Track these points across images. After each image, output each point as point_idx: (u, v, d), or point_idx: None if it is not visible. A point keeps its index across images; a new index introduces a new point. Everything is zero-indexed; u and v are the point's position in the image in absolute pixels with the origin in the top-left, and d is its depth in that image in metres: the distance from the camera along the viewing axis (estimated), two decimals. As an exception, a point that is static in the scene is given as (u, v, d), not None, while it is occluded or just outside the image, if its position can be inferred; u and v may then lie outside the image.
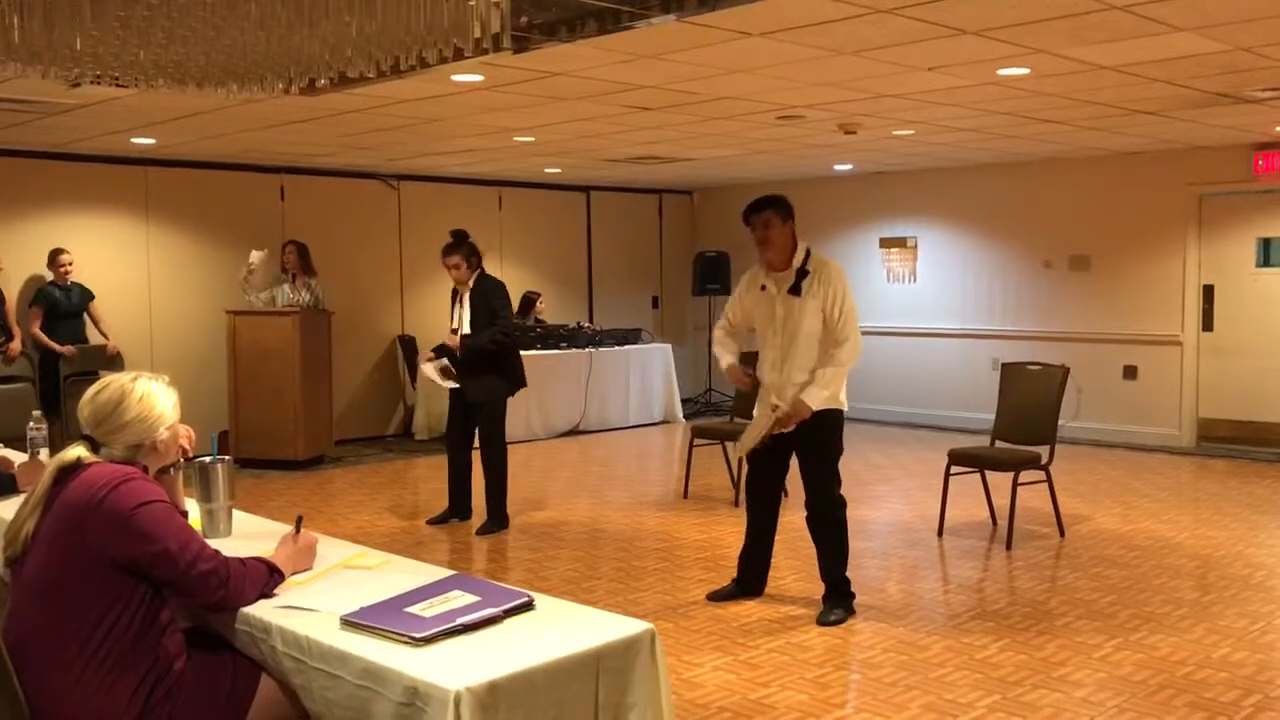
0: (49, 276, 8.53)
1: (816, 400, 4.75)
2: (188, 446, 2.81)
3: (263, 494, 7.57)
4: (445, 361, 6.65)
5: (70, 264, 8.52)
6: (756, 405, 5.07)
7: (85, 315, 8.67)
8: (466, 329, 6.53)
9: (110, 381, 2.64)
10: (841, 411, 4.90)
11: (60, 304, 8.52)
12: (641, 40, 4.93)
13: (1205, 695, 4.01)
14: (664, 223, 13.05)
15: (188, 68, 3.73)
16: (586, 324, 11.42)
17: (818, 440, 4.87)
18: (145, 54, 3.51)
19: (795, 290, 4.82)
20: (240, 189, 9.71)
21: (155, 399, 2.64)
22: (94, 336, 8.74)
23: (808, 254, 4.89)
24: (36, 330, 8.39)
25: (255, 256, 8.74)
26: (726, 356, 5.11)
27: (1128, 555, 5.99)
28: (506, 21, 3.36)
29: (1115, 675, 4.21)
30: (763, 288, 4.95)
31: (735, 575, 5.27)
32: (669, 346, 11.65)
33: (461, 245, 6.53)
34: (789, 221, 4.89)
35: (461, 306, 6.62)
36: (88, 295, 8.67)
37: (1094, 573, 5.64)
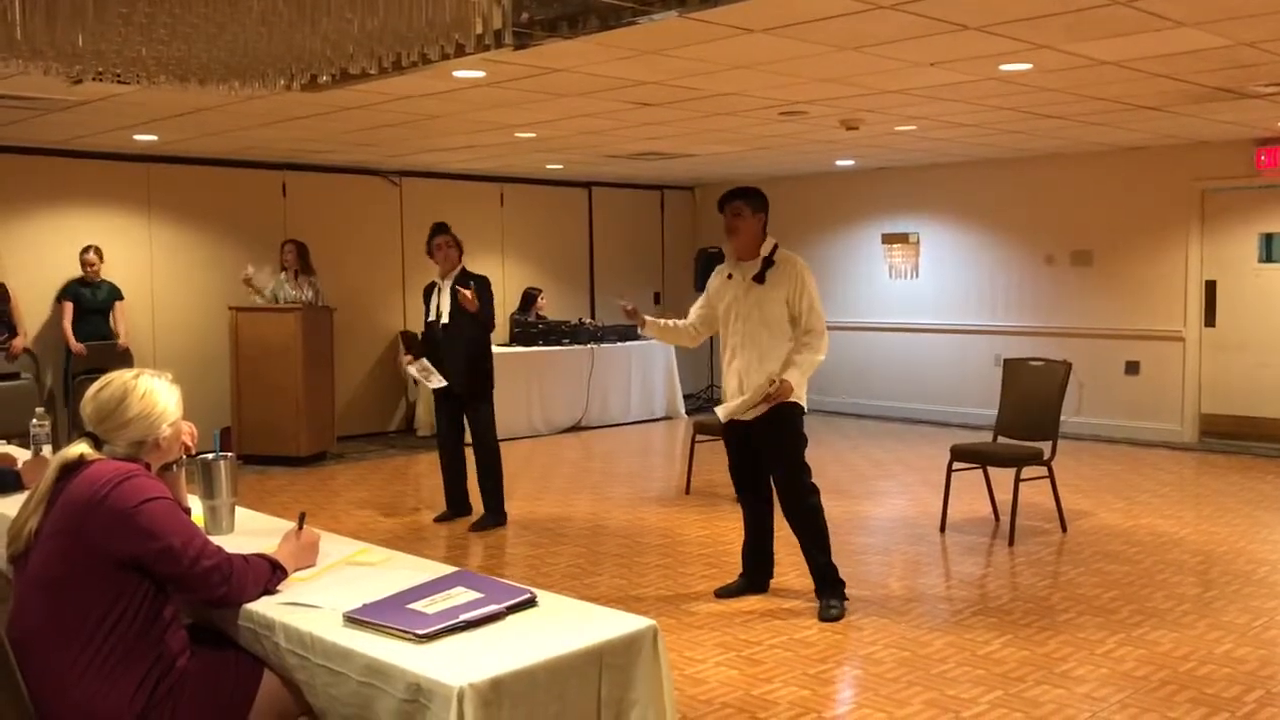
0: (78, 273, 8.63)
1: (798, 381, 4.81)
2: (190, 443, 2.81)
3: (265, 490, 7.58)
4: (425, 361, 6.65)
5: (96, 262, 8.56)
6: (725, 401, 5.10)
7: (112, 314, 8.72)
8: (446, 319, 6.53)
9: (113, 379, 2.63)
10: (801, 406, 4.94)
11: (85, 300, 8.56)
12: (643, 36, 4.93)
13: (1207, 691, 4.01)
14: (666, 219, 13.05)
15: (190, 64, 3.73)
16: (588, 320, 11.41)
17: (781, 435, 4.91)
18: (147, 50, 3.51)
19: (760, 279, 4.92)
20: (242, 185, 9.71)
21: (157, 396, 2.63)
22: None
23: (775, 247, 4.98)
24: (65, 324, 8.46)
25: (251, 270, 8.76)
26: (661, 324, 5.31)
27: (1130, 551, 5.99)
28: (508, 18, 3.36)
29: (1117, 671, 4.21)
30: (729, 276, 5.06)
31: (741, 571, 5.28)
32: (671, 343, 11.64)
33: (450, 230, 6.65)
34: (759, 214, 4.99)
35: (441, 296, 6.62)
36: (115, 294, 8.73)
37: (1096, 568, 5.64)
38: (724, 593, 5.21)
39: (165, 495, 2.52)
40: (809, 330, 4.86)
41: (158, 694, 2.42)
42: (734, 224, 4.97)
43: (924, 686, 4.07)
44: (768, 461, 5.02)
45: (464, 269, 6.67)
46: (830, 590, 4.96)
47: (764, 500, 5.18)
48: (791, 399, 4.86)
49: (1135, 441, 9.56)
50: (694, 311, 5.28)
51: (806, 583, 5.32)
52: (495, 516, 6.66)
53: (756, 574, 5.25)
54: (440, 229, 6.69)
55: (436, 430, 6.88)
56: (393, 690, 2.18)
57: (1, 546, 3.37)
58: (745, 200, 4.96)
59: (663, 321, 5.37)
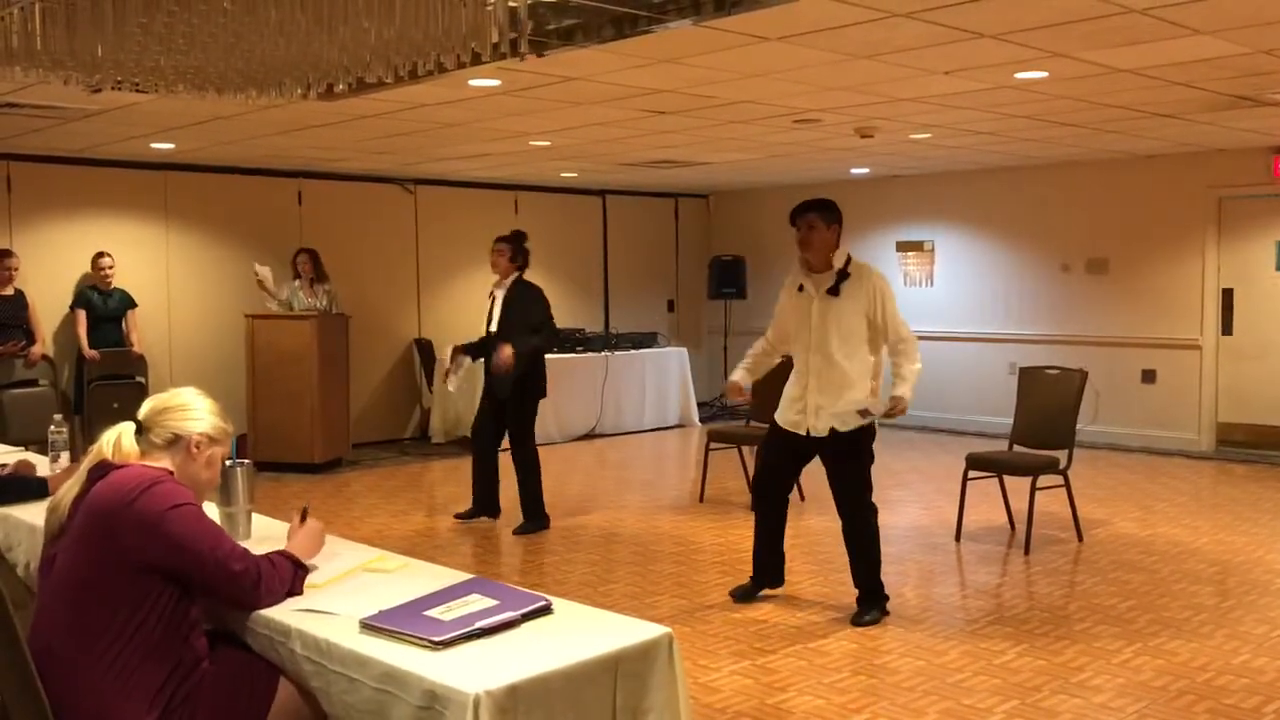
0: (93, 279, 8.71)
1: (910, 395, 4.82)
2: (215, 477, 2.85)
3: (280, 497, 7.59)
4: (466, 360, 6.70)
5: (109, 268, 8.61)
6: (782, 406, 5.05)
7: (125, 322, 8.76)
8: (495, 326, 6.57)
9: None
10: (874, 425, 4.97)
11: (97, 307, 8.60)
12: (658, 45, 4.93)
13: (1225, 701, 3.98)
14: (680, 226, 13.05)
15: (207, 73, 3.76)
16: (587, 328, 11.35)
17: (855, 452, 4.92)
18: (166, 60, 3.54)
19: (834, 291, 4.88)
20: (258, 193, 9.76)
21: (201, 402, 2.73)
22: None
23: (849, 259, 4.95)
24: (79, 331, 8.51)
25: (262, 271, 8.80)
26: (740, 369, 5.26)
27: (1147, 560, 5.96)
28: (524, 26, 3.37)
29: (1135, 681, 4.19)
30: (800, 289, 5.01)
31: (752, 572, 5.28)
32: (685, 350, 11.65)
33: (513, 239, 6.68)
34: (833, 225, 4.95)
35: (494, 304, 6.65)
36: (128, 303, 8.76)
37: (1113, 578, 5.62)
38: (739, 594, 5.21)
39: (191, 501, 2.55)
40: (901, 340, 4.85)
41: (176, 700, 2.43)
42: (808, 237, 4.92)
43: (940, 696, 4.06)
44: (838, 477, 4.97)
45: (520, 278, 6.65)
46: (873, 603, 4.96)
47: (783, 507, 5.18)
48: (866, 420, 4.87)
49: (1152, 450, 9.51)
50: (771, 329, 5.21)
51: (822, 591, 5.32)
52: (535, 521, 6.67)
53: (770, 570, 5.26)
54: (500, 237, 6.70)
55: (474, 426, 6.88)
56: (408, 697, 2.18)
57: (21, 554, 3.41)
58: (819, 212, 4.92)
59: (752, 367, 5.26)
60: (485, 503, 6.82)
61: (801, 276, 5.01)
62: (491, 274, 6.77)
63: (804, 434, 4.93)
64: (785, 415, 5.02)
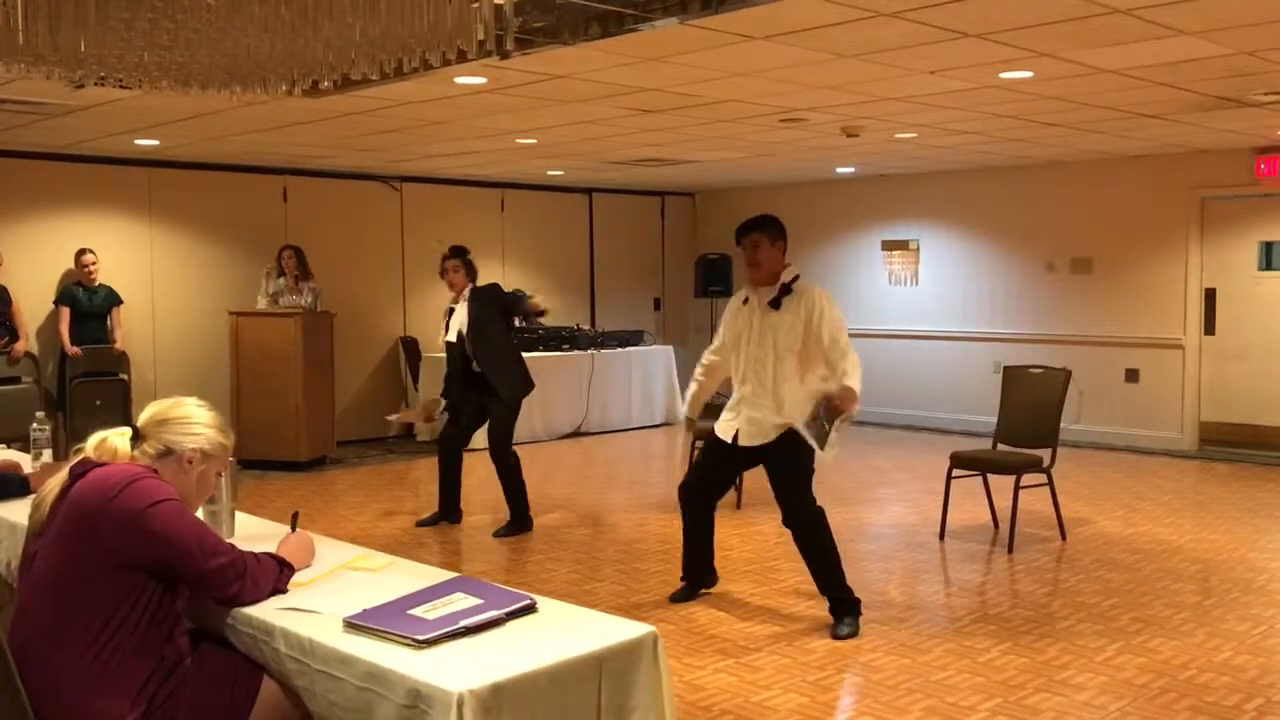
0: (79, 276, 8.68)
1: (857, 382, 4.71)
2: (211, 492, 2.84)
3: (264, 495, 7.57)
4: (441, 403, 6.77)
5: (93, 264, 8.58)
6: (721, 417, 5.01)
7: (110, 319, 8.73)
8: (452, 337, 6.60)
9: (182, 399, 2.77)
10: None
11: (81, 304, 8.56)
12: (644, 43, 4.93)
13: (1207, 699, 4.01)
14: (666, 225, 13.06)
15: (191, 69, 3.73)
16: (583, 326, 11.39)
17: (792, 457, 4.80)
18: (149, 55, 3.51)
19: (775, 304, 4.82)
20: (243, 190, 9.72)
21: (203, 416, 2.70)
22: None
23: (797, 276, 4.88)
24: (61, 328, 8.47)
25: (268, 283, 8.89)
26: (693, 400, 5.31)
27: (1129, 559, 5.99)
28: (510, 24, 3.36)
29: (1117, 679, 4.21)
30: (745, 300, 4.97)
31: (685, 576, 5.27)
32: (671, 348, 11.66)
33: (462, 254, 6.69)
34: (779, 242, 4.88)
35: (454, 317, 6.65)
36: (113, 299, 8.73)
37: (1096, 576, 5.64)
38: (677, 597, 5.22)
39: (174, 497, 2.53)
40: (840, 349, 4.71)
41: (158, 698, 2.42)
42: (754, 257, 4.85)
43: (924, 694, 4.07)
44: (777, 484, 4.90)
45: (474, 286, 6.67)
46: (845, 611, 4.85)
47: (712, 508, 5.17)
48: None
49: (1135, 449, 9.56)
50: (716, 338, 5.19)
51: (806, 589, 5.32)
52: (517, 523, 6.64)
53: (703, 574, 5.27)
54: (451, 253, 6.69)
55: (442, 435, 6.88)
56: (392, 696, 2.18)
57: (2, 552, 3.39)
58: (763, 231, 4.85)
59: (700, 390, 5.28)
60: (449, 508, 6.81)
61: (749, 289, 4.98)
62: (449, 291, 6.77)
63: (739, 443, 4.86)
64: (721, 427, 4.96)
